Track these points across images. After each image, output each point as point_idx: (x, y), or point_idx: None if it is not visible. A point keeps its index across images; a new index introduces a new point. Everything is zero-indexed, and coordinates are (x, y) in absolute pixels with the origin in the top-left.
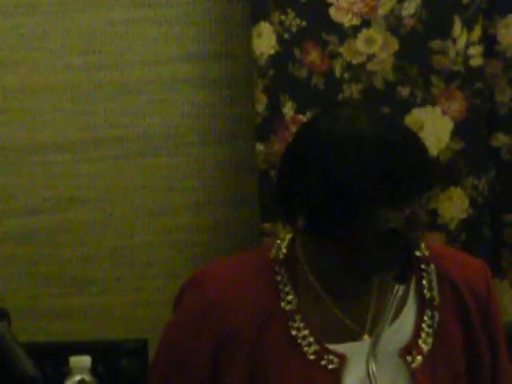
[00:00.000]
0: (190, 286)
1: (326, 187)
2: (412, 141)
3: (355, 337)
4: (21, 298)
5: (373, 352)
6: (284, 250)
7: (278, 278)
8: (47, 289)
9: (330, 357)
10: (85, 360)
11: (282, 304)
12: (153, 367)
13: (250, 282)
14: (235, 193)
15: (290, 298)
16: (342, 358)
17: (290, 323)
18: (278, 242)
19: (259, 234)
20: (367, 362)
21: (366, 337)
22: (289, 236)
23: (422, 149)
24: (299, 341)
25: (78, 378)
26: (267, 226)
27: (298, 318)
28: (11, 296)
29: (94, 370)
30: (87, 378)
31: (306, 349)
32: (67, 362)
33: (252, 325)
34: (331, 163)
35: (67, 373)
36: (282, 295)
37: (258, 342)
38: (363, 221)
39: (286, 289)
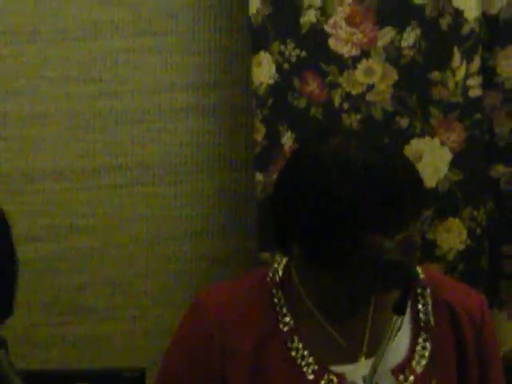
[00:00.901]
0: (191, 312)
1: (315, 214)
2: (403, 167)
3: (352, 359)
4: (18, 326)
5: (371, 380)
6: (280, 273)
7: (275, 300)
8: (45, 317)
9: (330, 377)
10: None
11: (280, 325)
12: None
13: (248, 305)
14: (234, 222)
15: (287, 319)
16: (342, 378)
17: (289, 344)
18: (275, 265)
19: (258, 263)
20: None
21: (362, 359)
22: (285, 259)
23: (414, 175)
24: (298, 361)
25: None
26: (266, 255)
27: (296, 338)
28: (9, 323)
29: None
30: None
31: (305, 369)
32: None
33: (251, 346)
34: (318, 189)
35: None
36: (279, 317)
37: (258, 363)
38: (355, 248)
39: (284, 310)
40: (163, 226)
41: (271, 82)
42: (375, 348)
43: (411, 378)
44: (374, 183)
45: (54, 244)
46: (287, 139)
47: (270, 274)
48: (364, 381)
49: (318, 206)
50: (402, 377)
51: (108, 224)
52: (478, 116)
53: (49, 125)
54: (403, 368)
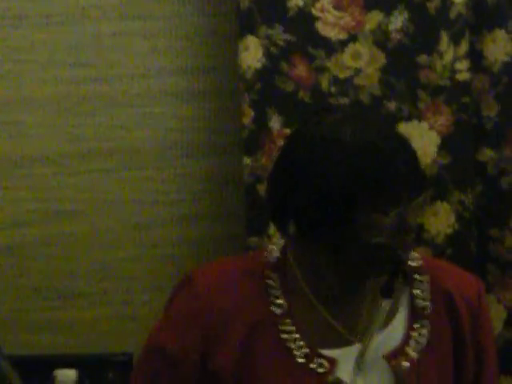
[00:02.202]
0: (180, 287)
1: (311, 191)
2: (399, 146)
3: (346, 343)
4: (6, 311)
5: (359, 363)
6: (276, 255)
7: (269, 282)
8: (33, 302)
9: (320, 360)
10: (71, 373)
11: (273, 308)
12: (137, 366)
13: (240, 285)
14: (222, 206)
15: (280, 302)
16: (332, 363)
17: (280, 327)
18: (271, 246)
19: (245, 247)
20: (353, 372)
21: (357, 344)
22: (282, 241)
23: (411, 154)
24: (289, 344)
25: None
26: (253, 239)
27: (288, 321)
28: None
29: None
30: None
31: (295, 352)
32: (53, 375)
33: (241, 327)
34: (314, 167)
35: None
36: (272, 299)
37: (248, 345)
38: (349, 227)
39: (277, 293)
40: (151, 211)
41: (259, 65)
42: (365, 333)
43: (405, 363)
44: (367, 159)
45: (42, 229)
46: (275, 123)
47: (265, 256)
48: (353, 371)
49: (314, 185)
50: (395, 362)
51: (96, 209)
52: (466, 99)
53: (36, 109)
54: (397, 354)
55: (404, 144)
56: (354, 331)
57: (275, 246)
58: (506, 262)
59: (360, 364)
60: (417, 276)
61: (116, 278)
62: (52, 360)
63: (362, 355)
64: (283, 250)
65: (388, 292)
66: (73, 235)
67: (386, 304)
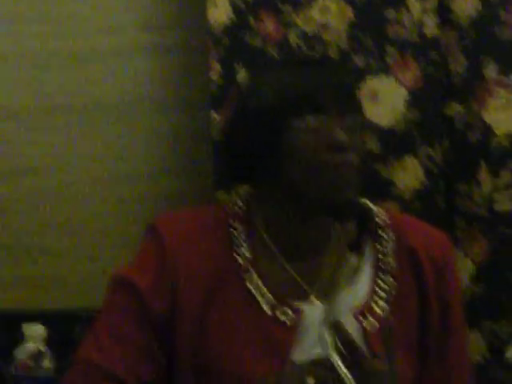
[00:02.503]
0: (146, 234)
1: (248, 115)
2: (324, 64)
3: (305, 297)
4: None
5: (326, 320)
6: (240, 204)
7: (234, 232)
8: (1, 258)
9: (287, 310)
10: (39, 329)
11: (237, 257)
12: (106, 301)
13: (204, 234)
14: (190, 161)
15: (245, 252)
16: (299, 314)
17: (245, 276)
18: (235, 196)
19: (214, 202)
20: (320, 332)
21: (313, 298)
22: (245, 191)
23: (334, 71)
24: (255, 294)
25: (32, 347)
26: (222, 194)
27: (253, 272)
28: None
29: (47, 339)
30: (41, 346)
31: (261, 302)
32: (21, 331)
33: (206, 274)
34: (250, 94)
35: (21, 342)
36: (236, 249)
37: (213, 293)
38: (284, 140)
39: (241, 243)
40: (119, 166)
41: (227, 21)
42: (329, 290)
43: (371, 319)
44: (294, 72)
45: (9, 185)
46: (243, 78)
47: (230, 206)
48: (319, 327)
49: (249, 106)
50: (363, 319)
51: (63, 165)
52: (434, 54)
53: (2, 65)
54: (363, 310)
55: (332, 64)
56: (316, 286)
57: (240, 197)
58: (474, 216)
59: (326, 320)
60: (382, 233)
61: (83, 233)
62: (20, 315)
63: (328, 312)
64: (246, 201)
65: (355, 245)
66: (39, 191)
67: (352, 259)
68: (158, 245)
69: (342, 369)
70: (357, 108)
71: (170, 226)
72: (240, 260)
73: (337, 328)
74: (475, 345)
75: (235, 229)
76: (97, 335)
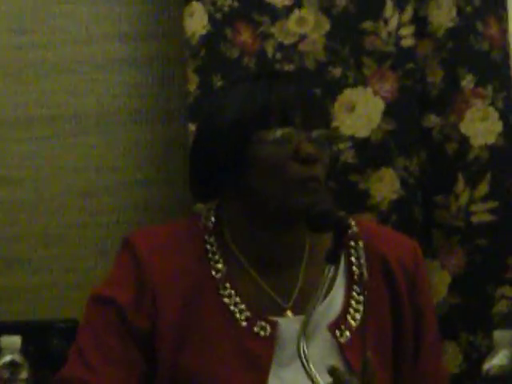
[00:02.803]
0: (121, 249)
1: (213, 127)
2: (290, 77)
3: (280, 312)
4: None
5: (304, 333)
6: (213, 220)
7: (208, 246)
8: None
9: (263, 323)
10: (15, 340)
11: (213, 272)
12: (85, 319)
13: (179, 250)
14: (167, 172)
15: (219, 266)
16: (275, 326)
17: (221, 291)
18: (207, 211)
19: (190, 214)
20: (298, 343)
21: (288, 313)
22: (215, 205)
23: (301, 84)
24: (231, 308)
25: (8, 358)
26: (199, 206)
27: (228, 285)
28: None
29: (24, 350)
30: (18, 358)
31: (238, 315)
32: None
33: (182, 289)
34: (216, 109)
35: None
36: (211, 263)
37: (190, 308)
38: (248, 151)
39: (216, 257)
40: (96, 177)
41: (203, 32)
42: (304, 303)
43: (347, 332)
44: (259, 84)
45: None
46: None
47: (203, 220)
48: (297, 341)
49: (214, 119)
50: (338, 332)
51: (40, 175)
52: (411, 65)
53: None
54: (338, 323)
55: (297, 81)
56: (292, 300)
57: (211, 211)
58: (451, 228)
59: (302, 336)
60: (352, 243)
61: (60, 244)
62: None
63: (304, 327)
64: (217, 216)
65: (334, 258)
66: (17, 202)
67: (331, 271)
68: (133, 260)
69: None
70: (325, 121)
71: (145, 241)
72: (215, 275)
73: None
74: (452, 356)
75: (210, 244)
76: (84, 354)
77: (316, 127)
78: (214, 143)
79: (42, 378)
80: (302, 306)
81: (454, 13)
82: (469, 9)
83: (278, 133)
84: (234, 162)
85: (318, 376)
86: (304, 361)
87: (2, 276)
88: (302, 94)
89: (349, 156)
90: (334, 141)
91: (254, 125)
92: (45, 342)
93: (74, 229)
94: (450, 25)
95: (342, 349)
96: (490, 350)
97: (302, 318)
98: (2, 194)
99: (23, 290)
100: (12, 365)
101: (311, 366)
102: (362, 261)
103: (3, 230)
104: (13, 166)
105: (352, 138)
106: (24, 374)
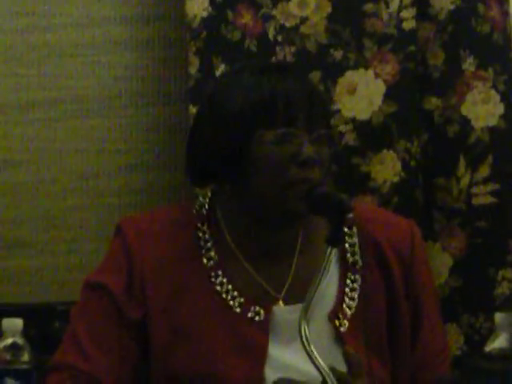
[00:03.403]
0: (113, 236)
1: (216, 122)
2: (295, 73)
3: (272, 302)
4: None
5: (305, 316)
6: (206, 207)
7: (200, 234)
8: None
9: (257, 308)
10: (17, 322)
11: (204, 260)
12: (79, 304)
13: (170, 236)
14: (168, 155)
15: (211, 254)
16: (268, 310)
17: (213, 279)
18: (201, 198)
19: (191, 197)
20: (299, 327)
21: (280, 303)
22: (209, 195)
23: (305, 81)
24: (224, 295)
25: (9, 340)
26: (199, 190)
27: (220, 273)
28: None
29: (25, 333)
30: (19, 340)
31: (231, 302)
32: None
33: (170, 277)
34: (217, 101)
35: None
36: (203, 251)
37: (180, 295)
38: (248, 144)
39: (208, 245)
40: (98, 160)
41: (205, 14)
42: (297, 294)
43: (345, 321)
44: (261, 83)
45: None
46: (221, 72)
47: (197, 208)
48: (299, 327)
49: (217, 113)
50: (337, 322)
51: (42, 158)
52: (412, 48)
53: None
54: (336, 312)
55: (301, 80)
56: (284, 290)
57: (205, 197)
58: (452, 210)
59: (303, 321)
60: (346, 229)
61: (62, 227)
62: None
63: (305, 312)
64: (211, 205)
65: (336, 240)
66: (18, 184)
67: (330, 254)
68: (123, 246)
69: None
70: (327, 121)
71: (135, 228)
72: (207, 262)
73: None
74: (453, 338)
75: (203, 232)
76: (79, 341)
77: (318, 128)
78: (215, 133)
79: (44, 360)
80: (294, 297)
81: None
82: None
83: (281, 133)
84: (234, 156)
85: (319, 358)
86: (306, 343)
87: (4, 258)
88: (307, 94)
89: (350, 138)
90: (334, 140)
91: (258, 123)
92: (46, 325)
93: (75, 211)
94: (452, 7)
95: (342, 338)
96: (492, 332)
97: (293, 307)
98: (3, 177)
99: (25, 273)
100: (13, 347)
101: (312, 347)
102: (356, 248)
103: (5, 212)
104: (14, 149)
105: (353, 120)
106: (25, 357)
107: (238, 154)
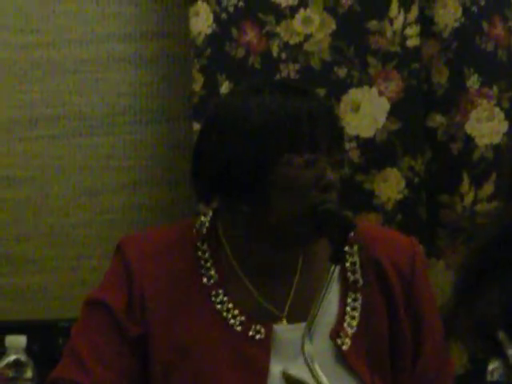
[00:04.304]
0: (113, 254)
1: (234, 140)
2: (317, 97)
3: (274, 320)
4: None
5: (308, 334)
6: (207, 226)
7: (200, 253)
8: None
9: (257, 327)
10: (20, 340)
11: (204, 279)
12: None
13: (169, 255)
14: (172, 172)
15: (211, 273)
16: (269, 328)
17: (213, 298)
18: (202, 217)
19: (195, 213)
20: (302, 344)
21: (284, 321)
22: (210, 213)
23: (329, 111)
24: (224, 313)
25: (13, 357)
26: (202, 206)
27: (220, 291)
28: None
29: (29, 350)
30: (22, 357)
31: (231, 321)
32: (2, 342)
33: (170, 296)
34: (234, 120)
35: (2, 352)
36: (202, 271)
37: (178, 315)
38: (269, 169)
39: (207, 264)
40: (101, 177)
41: (209, 31)
42: (299, 312)
43: (347, 340)
44: (287, 104)
45: None
46: (225, 89)
47: (197, 227)
48: (302, 345)
49: (235, 132)
50: (339, 341)
51: (45, 175)
52: (416, 65)
53: None
54: (338, 331)
55: (323, 103)
56: (281, 310)
57: (206, 216)
58: (456, 228)
59: (307, 339)
60: (346, 248)
61: (65, 243)
62: (1, 326)
63: (308, 329)
64: (212, 223)
65: (338, 257)
66: (22, 201)
67: (333, 272)
68: (123, 265)
69: None
70: (343, 146)
71: (134, 247)
72: (207, 282)
73: None
74: (457, 356)
75: (202, 251)
76: (77, 355)
77: (336, 152)
78: (233, 150)
79: (47, 378)
80: (296, 315)
81: (459, 13)
82: (474, 9)
83: (309, 158)
84: (253, 178)
85: (323, 376)
86: (309, 361)
87: (8, 275)
88: (328, 118)
89: (354, 156)
90: (344, 164)
91: (285, 146)
92: (50, 342)
93: (78, 228)
94: (456, 25)
95: (344, 357)
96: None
97: (295, 326)
98: (6, 193)
99: (28, 289)
100: (17, 364)
101: (316, 366)
102: (357, 266)
103: (8, 228)
104: (18, 166)
105: (357, 137)
106: (29, 374)
107: (259, 174)
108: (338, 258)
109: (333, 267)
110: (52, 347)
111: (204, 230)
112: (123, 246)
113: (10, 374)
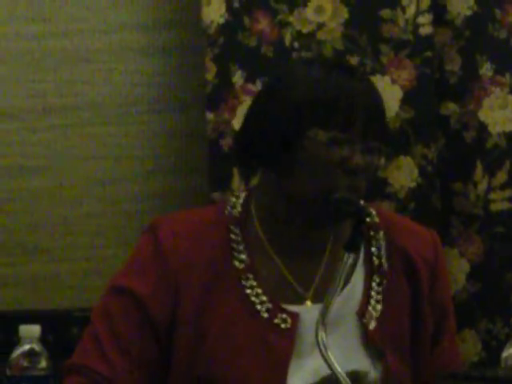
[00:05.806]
0: (144, 233)
1: (275, 108)
2: (366, 80)
3: (300, 301)
4: None
5: (322, 321)
6: (239, 208)
7: (232, 236)
8: None
9: (284, 315)
10: (34, 329)
11: (235, 262)
12: (102, 307)
13: (203, 238)
14: (185, 161)
15: (242, 256)
16: (295, 318)
17: (243, 282)
18: (233, 199)
19: (208, 202)
20: (316, 331)
21: (308, 302)
22: (244, 194)
23: (373, 92)
24: (252, 299)
25: (27, 347)
26: (216, 194)
27: (250, 276)
28: None
29: (43, 339)
30: (36, 347)
31: (258, 307)
32: (16, 331)
33: (202, 279)
34: (282, 85)
35: (16, 342)
36: (234, 253)
37: (209, 298)
38: (300, 141)
39: (239, 247)
40: (114, 167)
41: (221, 20)
42: (324, 293)
43: (372, 322)
44: (327, 82)
45: (5, 184)
46: (238, 78)
47: (229, 209)
48: (316, 331)
49: (276, 101)
50: (365, 320)
51: (59, 164)
52: (429, 53)
53: None
54: (364, 312)
55: (370, 87)
56: (308, 289)
57: (237, 199)
58: (470, 216)
59: (321, 326)
60: (372, 233)
61: (79, 233)
62: (15, 315)
63: (322, 317)
64: (245, 204)
65: (353, 246)
66: (36, 191)
67: (349, 260)
68: (156, 247)
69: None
70: (383, 133)
71: (170, 227)
72: (238, 265)
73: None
74: (471, 344)
75: (235, 234)
76: (99, 343)
77: (373, 137)
78: (271, 120)
79: (62, 367)
80: (322, 296)
81: (472, 0)
82: None
83: (336, 136)
84: (283, 148)
85: (336, 364)
86: (322, 349)
87: (21, 264)
88: (370, 100)
89: None
90: (384, 154)
91: (314, 120)
92: (64, 331)
93: (92, 217)
94: (468, 12)
95: (369, 336)
96: (509, 337)
97: (319, 307)
98: (20, 183)
99: (42, 279)
100: (31, 354)
101: (329, 354)
102: (383, 252)
103: (22, 218)
104: (31, 155)
105: None
106: (43, 363)
107: (286, 148)
108: (352, 246)
109: (346, 256)
110: (66, 337)
111: (236, 212)
112: (156, 225)
113: (25, 363)
